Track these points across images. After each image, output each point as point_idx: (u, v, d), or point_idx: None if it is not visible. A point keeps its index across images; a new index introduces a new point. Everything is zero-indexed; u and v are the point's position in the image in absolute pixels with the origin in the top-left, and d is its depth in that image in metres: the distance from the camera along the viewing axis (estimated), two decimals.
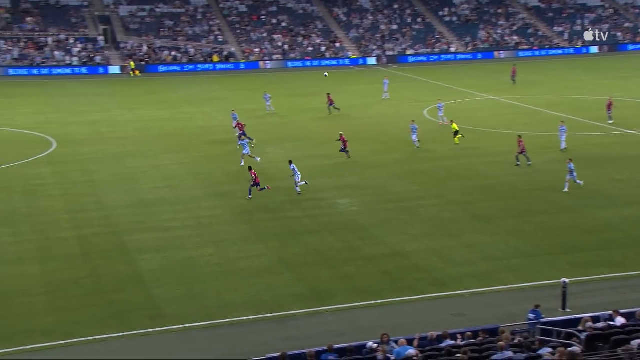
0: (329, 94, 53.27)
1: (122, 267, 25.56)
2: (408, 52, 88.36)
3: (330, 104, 52.51)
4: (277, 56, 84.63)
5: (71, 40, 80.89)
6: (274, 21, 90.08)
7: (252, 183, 32.69)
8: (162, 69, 79.62)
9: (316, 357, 16.43)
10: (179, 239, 28.32)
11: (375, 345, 16.91)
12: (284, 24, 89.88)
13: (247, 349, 19.27)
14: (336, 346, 17.05)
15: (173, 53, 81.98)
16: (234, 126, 44.51)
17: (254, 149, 40.47)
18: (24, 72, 76.03)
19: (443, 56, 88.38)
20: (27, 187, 35.35)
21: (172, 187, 35.07)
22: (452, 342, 17.10)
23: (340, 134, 40.01)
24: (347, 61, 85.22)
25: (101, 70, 78.00)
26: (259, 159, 38.57)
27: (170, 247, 27.41)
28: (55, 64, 77.82)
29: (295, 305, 22.58)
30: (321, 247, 27.35)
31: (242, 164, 37.71)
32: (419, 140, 41.62)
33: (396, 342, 16.78)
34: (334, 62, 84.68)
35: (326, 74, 56.38)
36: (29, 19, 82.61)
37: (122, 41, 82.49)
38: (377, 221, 30.13)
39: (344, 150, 39.48)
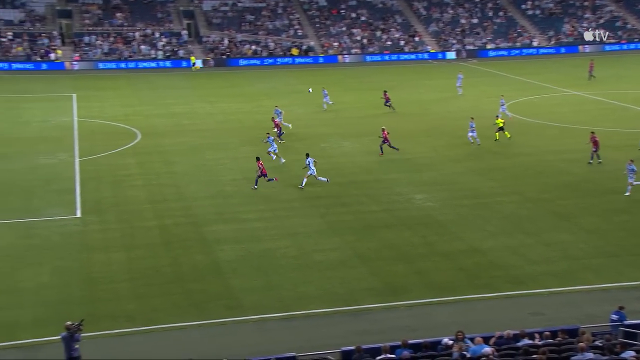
0: (385, 91, 52.91)
1: (201, 257, 26.24)
2: (488, 47, 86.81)
3: (387, 102, 52.10)
4: (356, 50, 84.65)
5: (157, 35, 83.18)
6: (353, 15, 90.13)
7: (258, 174, 33.60)
8: (242, 62, 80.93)
9: (391, 352, 16.51)
10: (256, 230, 28.85)
11: (450, 342, 16.82)
12: (363, 18, 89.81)
13: (322, 342, 19.51)
14: (410, 341, 17.07)
15: (253, 47, 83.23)
16: (273, 121, 44.27)
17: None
18: (113, 65, 78.63)
19: (524, 50, 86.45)
20: (113, 177, 36.64)
21: (250, 180, 35.64)
22: (530, 342, 16.87)
23: (383, 129, 39.83)
24: (426, 55, 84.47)
25: (184, 63, 79.84)
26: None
27: (248, 238, 27.95)
28: (141, 57, 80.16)
29: (370, 299, 22.71)
30: (397, 241, 27.35)
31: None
32: (477, 137, 40.92)
33: (472, 339, 16.66)
34: (413, 57, 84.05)
35: (310, 89, 56.28)
36: (118, 14, 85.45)
37: (204, 35, 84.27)
38: (454, 217, 29.89)
39: (387, 144, 39.24)
